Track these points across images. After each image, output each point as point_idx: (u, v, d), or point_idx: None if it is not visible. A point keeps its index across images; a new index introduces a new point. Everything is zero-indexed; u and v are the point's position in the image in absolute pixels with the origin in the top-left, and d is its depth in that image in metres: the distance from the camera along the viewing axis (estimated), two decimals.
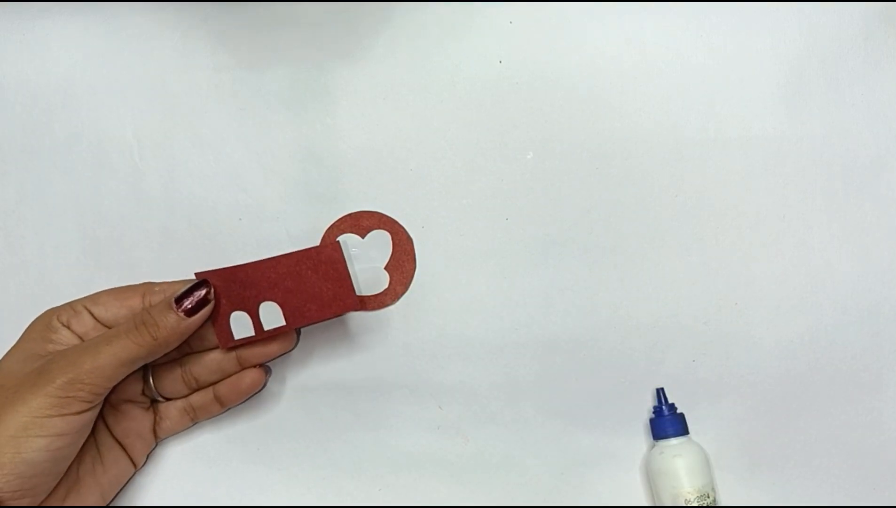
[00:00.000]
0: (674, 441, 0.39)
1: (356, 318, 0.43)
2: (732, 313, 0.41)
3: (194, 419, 0.42)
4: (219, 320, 0.39)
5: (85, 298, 0.40)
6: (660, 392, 0.41)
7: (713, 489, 0.39)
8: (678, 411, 0.40)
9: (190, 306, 0.38)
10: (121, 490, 0.42)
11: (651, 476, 0.40)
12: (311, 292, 0.39)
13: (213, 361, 0.40)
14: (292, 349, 0.42)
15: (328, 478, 0.42)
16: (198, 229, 0.43)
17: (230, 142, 0.43)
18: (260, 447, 0.42)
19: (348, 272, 0.39)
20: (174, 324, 0.37)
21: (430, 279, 0.43)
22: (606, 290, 0.42)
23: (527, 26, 0.43)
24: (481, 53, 0.43)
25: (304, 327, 0.42)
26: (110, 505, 0.41)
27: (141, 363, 0.37)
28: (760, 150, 0.42)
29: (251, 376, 0.41)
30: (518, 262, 0.42)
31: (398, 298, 0.43)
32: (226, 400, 0.41)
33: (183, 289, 0.38)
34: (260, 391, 0.42)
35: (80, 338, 0.39)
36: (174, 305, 0.37)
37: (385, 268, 0.43)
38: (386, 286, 0.42)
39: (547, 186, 0.42)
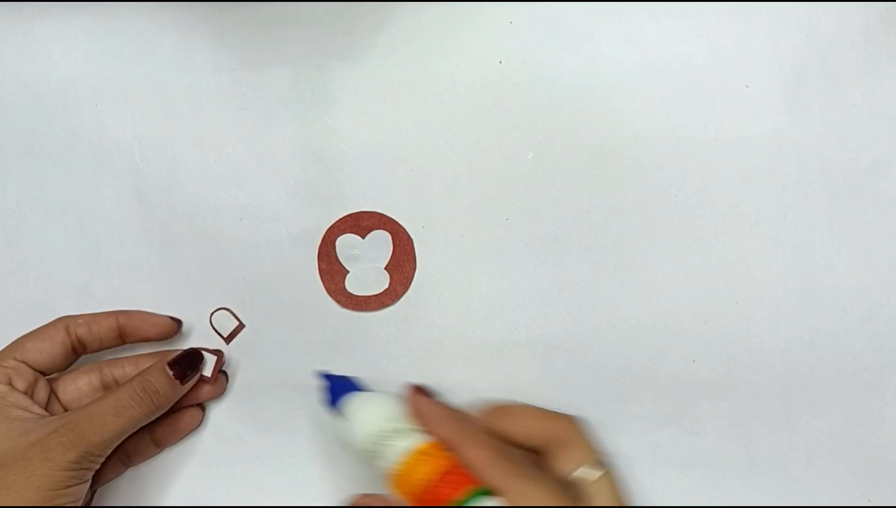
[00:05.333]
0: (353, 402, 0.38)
1: (357, 318, 0.43)
2: (732, 313, 0.41)
3: (128, 464, 0.42)
4: None
5: (7, 351, 0.39)
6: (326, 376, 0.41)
7: (395, 423, 0.37)
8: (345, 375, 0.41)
9: (183, 373, 0.40)
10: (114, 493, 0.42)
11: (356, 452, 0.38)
12: None
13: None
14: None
15: (328, 478, 0.42)
16: (198, 229, 0.43)
17: (230, 142, 0.43)
18: (260, 447, 0.42)
19: None
20: (173, 391, 0.39)
21: (430, 279, 0.43)
22: (606, 290, 0.42)
23: (527, 26, 0.43)
24: (481, 53, 0.43)
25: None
26: (110, 506, 0.41)
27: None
28: (760, 150, 0.42)
29: (188, 416, 0.42)
30: (518, 262, 0.42)
31: (398, 298, 0.43)
32: (163, 441, 0.42)
33: (176, 355, 0.40)
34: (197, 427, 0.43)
35: (31, 392, 0.38)
36: (169, 370, 0.39)
37: (385, 268, 0.43)
38: (386, 286, 0.43)
39: (547, 186, 0.42)
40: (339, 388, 0.40)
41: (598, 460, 0.37)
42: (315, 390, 0.42)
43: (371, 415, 0.37)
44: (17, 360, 0.39)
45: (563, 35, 0.43)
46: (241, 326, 0.43)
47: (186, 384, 0.40)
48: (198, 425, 0.43)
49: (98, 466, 0.37)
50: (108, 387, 0.41)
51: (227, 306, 0.43)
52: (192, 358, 0.40)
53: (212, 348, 0.42)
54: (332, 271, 0.43)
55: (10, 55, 0.44)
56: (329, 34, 0.43)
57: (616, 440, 0.41)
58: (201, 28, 0.44)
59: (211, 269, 0.43)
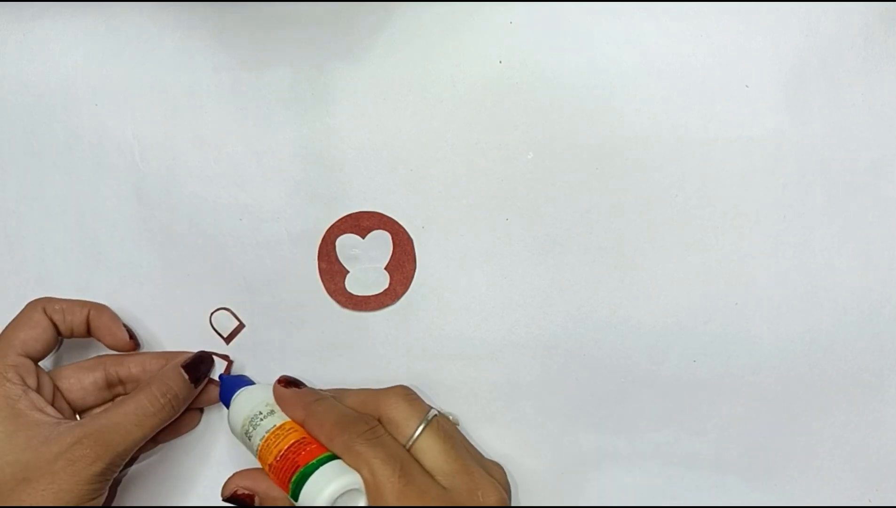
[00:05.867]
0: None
1: (357, 318, 0.43)
2: (732, 313, 0.41)
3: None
4: None
5: (4, 346, 0.38)
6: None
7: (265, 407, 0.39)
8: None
9: (197, 376, 0.40)
10: (119, 489, 0.42)
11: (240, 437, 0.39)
12: None
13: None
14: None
15: None
16: (198, 229, 0.43)
17: (230, 142, 0.43)
18: None
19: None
20: (189, 395, 0.39)
21: (430, 279, 0.43)
22: (606, 290, 0.42)
23: (527, 26, 0.43)
24: (481, 53, 0.43)
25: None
26: (111, 506, 0.41)
27: None
28: (760, 150, 0.42)
29: (188, 416, 0.42)
30: (518, 262, 0.42)
31: (398, 298, 0.43)
32: (161, 440, 0.42)
33: (190, 358, 0.40)
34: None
35: (40, 389, 0.38)
36: (185, 374, 0.39)
37: (385, 268, 0.43)
38: (386, 286, 0.42)
39: (547, 187, 0.42)
40: (230, 386, 0.41)
41: (424, 420, 0.37)
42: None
43: (248, 403, 0.39)
44: (21, 355, 0.38)
45: (563, 35, 0.43)
46: (241, 326, 0.43)
47: (199, 388, 0.40)
48: (196, 425, 0.43)
49: (118, 473, 0.37)
50: (112, 386, 0.40)
51: (227, 306, 0.43)
52: (205, 362, 0.41)
53: (211, 347, 0.42)
54: (332, 271, 0.43)
55: (10, 55, 0.44)
56: (329, 34, 0.43)
57: (616, 440, 0.41)
58: (201, 28, 0.44)
59: (211, 269, 0.43)
